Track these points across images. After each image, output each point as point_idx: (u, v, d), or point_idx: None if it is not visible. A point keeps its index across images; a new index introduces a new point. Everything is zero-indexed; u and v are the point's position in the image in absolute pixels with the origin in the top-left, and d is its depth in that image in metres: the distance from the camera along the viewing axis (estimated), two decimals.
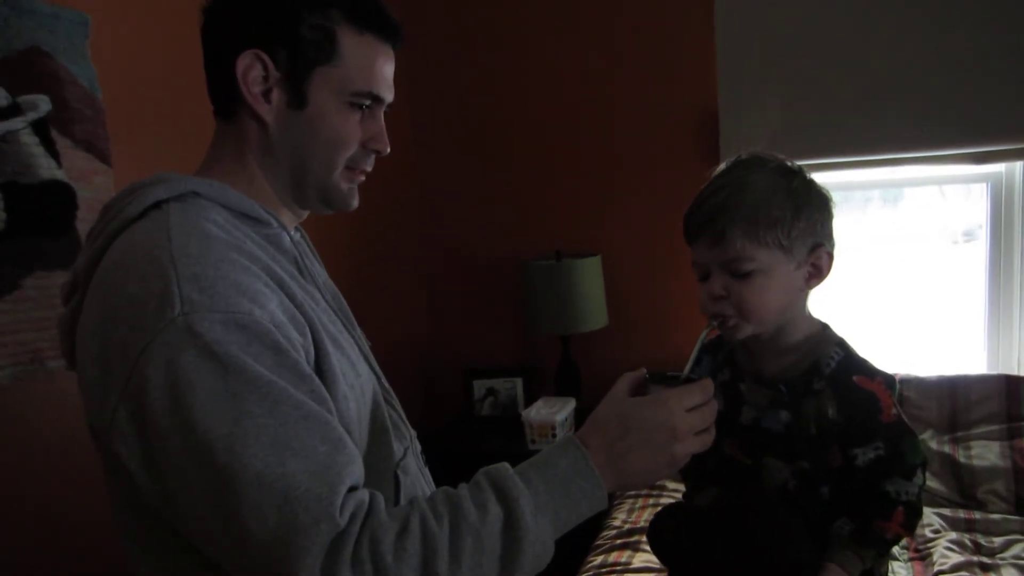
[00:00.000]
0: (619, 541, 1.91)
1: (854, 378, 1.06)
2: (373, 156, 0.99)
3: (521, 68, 2.73)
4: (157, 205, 0.85)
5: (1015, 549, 1.76)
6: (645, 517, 1.99)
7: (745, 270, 1.05)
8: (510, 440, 2.54)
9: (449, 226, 2.92)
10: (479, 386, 2.76)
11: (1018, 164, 2.28)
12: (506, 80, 2.76)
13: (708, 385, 0.91)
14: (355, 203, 1.01)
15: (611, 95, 2.63)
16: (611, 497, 2.13)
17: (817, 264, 1.09)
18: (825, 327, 1.15)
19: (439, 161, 2.90)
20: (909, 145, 2.27)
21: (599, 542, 1.95)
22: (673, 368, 1.05)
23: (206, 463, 0.72)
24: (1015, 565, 1.69)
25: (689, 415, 0.87)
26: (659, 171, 2.62)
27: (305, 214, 1.03)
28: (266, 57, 0.88)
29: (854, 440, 1.05)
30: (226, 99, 0.92)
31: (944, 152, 2.25)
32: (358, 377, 0.93)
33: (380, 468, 0.94)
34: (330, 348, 0.87)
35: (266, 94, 0.90)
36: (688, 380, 0.93)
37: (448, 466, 2.58)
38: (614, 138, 2.66)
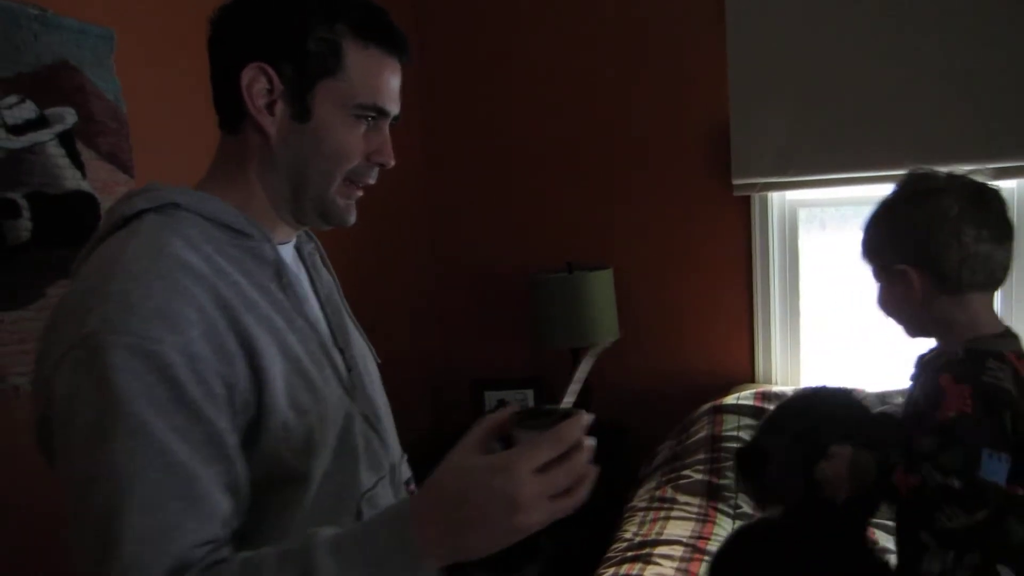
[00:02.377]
0: (630, 554, 1.91)
1: (941, 376, 1.10)
2: (376, 169, 0.98)
3: (533, 81, 2.76)
4: (139, 215, 0.86)
5: None
6: (656, 530, 2.00)
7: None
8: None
9: (460, 238, 2.95)
10: (490, 397, 2.77)
11: None
12: (518, 93, 2.79)
13: (567, 431, 0.73)
14: (352, 219, 1.00)
15: (623, 109, 2.66)
16: (616, 508, 2.15)
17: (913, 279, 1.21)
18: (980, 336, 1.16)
19: (450, 174, 2.93)
20: (917, 160, 2.27)
21: (610, 555, 1.95)
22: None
23: (70, 488, 0.76)
24: None
25: (537, 479, 0.71)
26: (670, 184, 2.64)
27: (303, 228, 1.04)
28: (271, 70, 0.89)
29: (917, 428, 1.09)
30: (231, 111, 0.93)
31: (950, 168, 2.25)
32: (318, 403, 0.89)
33: (342, 497, 0.92)
34: (275, 375, 0.84)
35: (270, 107, 0.90)
36: (564, 416, 0.76)
37: None
38: (626, 151, 2.68)
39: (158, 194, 0.88)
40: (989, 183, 1.18)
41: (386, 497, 0.98)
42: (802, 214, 2.56)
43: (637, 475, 2.45)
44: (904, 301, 1.18)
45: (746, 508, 2.11)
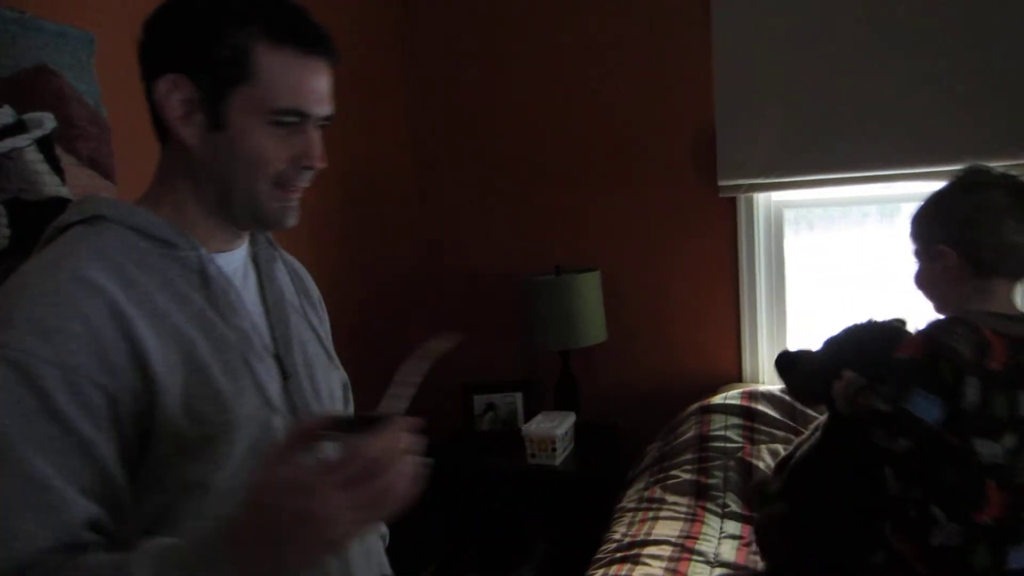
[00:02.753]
0: (619, 555, 1.91)
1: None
2: (308, 172, 0.97)
3: (521, 84, 2.76)
4: (69, 227, 0.90)
5: None
6: (645, 530, 2.00)
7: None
8: (510, 455, 2.54)
9: (448, 241, 2.95)
10: (479, 401, 2.77)
11: None
12: (506, 97, 2.79)
13: (370, 441, 0.73)
14: (290, 221, 1.00)
15: (610, 112, 2.67)
16: (607, 509, 2.16)
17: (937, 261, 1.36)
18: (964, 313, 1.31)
19: (438, 177, 2.92)
20: (902, 162, 2.30)
21: (599, 556, 1.95)
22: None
23: None
24: None
25: (339, 494, 0.70)
26: (657, 186, 2.64)
27: (247, 232, 1.05)
28: (185, 80, 0.89)
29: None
30: (157, 123, 0.95)
31: (936, 169, 2.27)
32: (223, 413, 0.89)
33: None
34: (170, 385, 0.85)
35: (188, 117, 0.91)
36: (373, 423, 0.75)
37: (448, 482, 2.61)
38: (613, 153, 2.69)
39: (86, 207, 0.92)
40: None
41: None
42: (788, 215, 2.58)
43: (627, 476, 2.45)
44: (940, 278, 1.30)
45: (734, 507, 2.11)
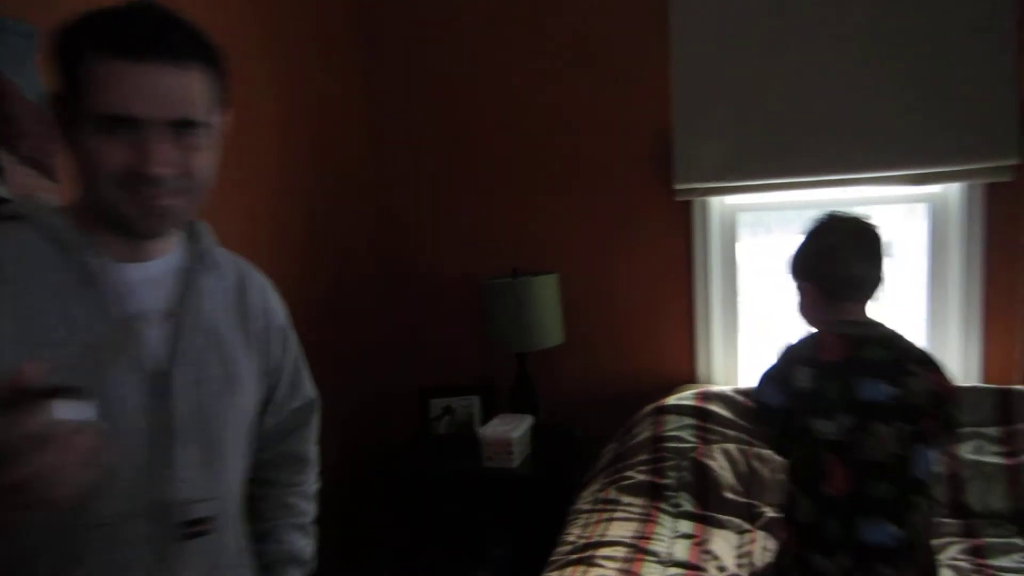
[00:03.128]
0: (574, 556, 1.91)
1: None
2: (160, 179, 0.94)
3: (479, 88, 2.77)
4: None
5: (951, 551, 1.84)
6: (599, 532, 2.01)
7: None
8: (467, 458, 2.54)
9: (407, 245, 2.93)
10: (435, 404, 2.75)
11: (954, 186, 2.37)
12: (465, 100, 2.79)
13: (16, 420, 0.69)
14: (155, 228, 1.00)
15: (568, 116, 2.68)
16: (564, 512, 2.17)
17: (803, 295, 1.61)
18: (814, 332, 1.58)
19: (397, 180, 2.91)
20: (853, 167, 2.36)
21: (554, 558, 1.95)
22: None
23: None
24: (951, 567, 1.75)
25: None
26: (615, 190, 2.66)
27: (175, 244, 1.10)
28: (60, 96, 0.94)
29: None
30: None
31: (885, 174, 2.34)
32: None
33: (72, 523, 0.94)
34: None
35: (64, 130, 0.96)
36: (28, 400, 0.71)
37: (404, 485, 2.60)
38: (571, 157, 2.70)
39: (13, 206, 0.99)
40: (870, 221, 1.52)
41: (129, 535, 0.98)
42: (743, 218, 2.62)
43: (583, 478, 2.46)
44: (808, 308, 1.57)
45: (687, 507, 2.14)
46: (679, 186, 2.51)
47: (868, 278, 1.49)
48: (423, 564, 2.70)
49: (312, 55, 2.56)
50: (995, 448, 2.08)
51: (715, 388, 2.48)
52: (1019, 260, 2.33)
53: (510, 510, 2.52)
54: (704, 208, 2.58)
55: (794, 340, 1.53)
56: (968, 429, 2.14)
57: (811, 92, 2.37)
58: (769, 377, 1.52)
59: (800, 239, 1.57)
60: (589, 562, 1.87)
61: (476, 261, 2.82)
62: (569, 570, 1.85)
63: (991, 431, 2.12)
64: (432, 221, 2.89)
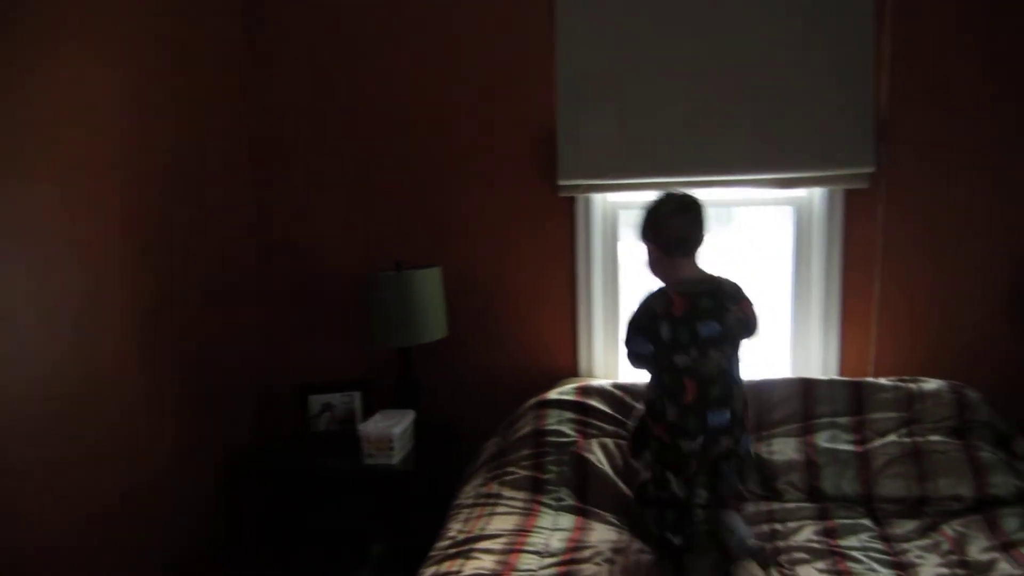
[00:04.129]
0: (452, 551, 1.90)
1: None
2: None
3: (364, 81, 2.71)
4: None
5: (805, 532, 1.94)
6: (480, 526, 2.00)
7: None
8: (348, 455, 2.48)
9: (286, 238, 2.83)
10: (315, 401, 2.68)
11: (817, 190, 2.52)
12: (349, 93, 2.72)
13: None
14: None
15: (453, 109, 2.66)
16: (447, 508, 2.15)
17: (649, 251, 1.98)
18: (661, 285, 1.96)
19: (278, 173, 2.80)
20: (725, 170, 2.46)
21: (433, 553, 1.93)
22: None
23: None
24: (804, 547, 1.86)
25: None
26: (500, 184, 2.67)
27: None
28: None
29: None
30: None
31: (754, 176, 2.45)
32: None
33: None
34: None
35: None
36: None
37: (283, 484, 2.51)
38: (456, 151, 2.69)
39: None
40: (694, 195, 1.93)
41: None
42: (625, 217, 2.68)
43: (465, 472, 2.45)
44: (653, 262, 1.96)
45: (568, 501, 2.16)
46: (562, 182, 2.55)
47: (692, 238, 1.91)
48: (303, 564, 2.62)
49: (184, 38, 2.43)
50: (847, 436, 2.23)
51: (595, 382, 2.53)
52: (874, 262, 2.50)
53: (391, 507, 2.48)
54: (587, 205, 2.62)
55: (648, 294, 1.92)
56: (825, 419, 2.28)
57: (685, 96, 2.46)
58: (637, 331, 1.91)
59: (646, 209, 1.96)
60: (467, 555, 1.86)
61: (359, 255, 2.76)
62: (447, 564, 1.84)
63: (844, 420, 2.27)
64: (314, 215, 2.80)
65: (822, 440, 2.22)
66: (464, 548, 1.90)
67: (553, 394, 2.48)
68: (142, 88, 2.23)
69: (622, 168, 2.51)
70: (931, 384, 2.32)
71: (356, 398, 2.69)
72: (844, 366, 2.56)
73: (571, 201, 2.63)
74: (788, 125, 2.40)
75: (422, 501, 2.47)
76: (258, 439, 2.83)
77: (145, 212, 2.25)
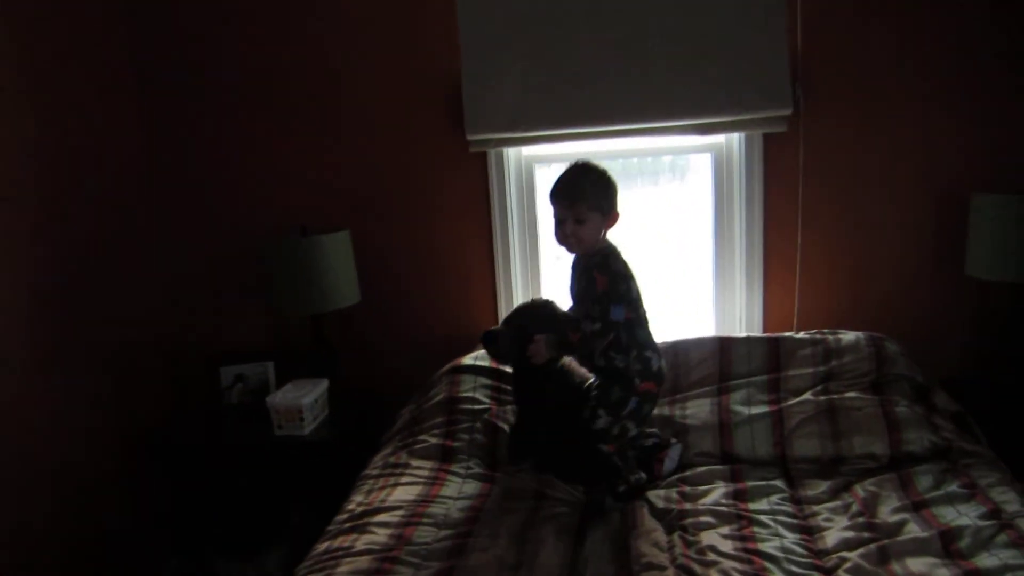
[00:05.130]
0: (348, 524, 1.83)
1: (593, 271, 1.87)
2: None
3: (262, 35, 2.54)
4: None
5: (714, 495, 1.88)
6: (381, 498, 1.93)
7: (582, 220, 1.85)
8: (258, 427, 2.40)
9: (186, 206, 2.68)
10: (226, 373, 2.58)
11: (735, 136, 2.41)
12: (247, 49, 2.55)
13: None
14: None
15: (355, 63, 2.51)
16: (344, 481, 2.08)
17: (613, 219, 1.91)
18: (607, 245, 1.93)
19: (173, 139, 2.64)
20: (640, 117, 2.34)
21: (330, 527, 1.86)
22: None
23: None
24: (711, 511, 1.80)
25: None
26: (407, 141, 2.54)
27: None
28: None
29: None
30: None
31: (668, 123, 2.34)
32: None
33: None
34: None
35: None
36: None
37: (194, 457, 2.43)
38: (361, 110, 2.55)
39: None
40: (596, 163, 1.91)
41: None
42: (539, 171, 2.57)
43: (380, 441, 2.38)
44: (604, 228, 1.89)
45: (477, 469, 2.09)
46: (471, 136, 2.42)
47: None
48: (217, 539, 2.55)
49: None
50: (763, 396, 2.16)
51: None
52: (795, 210, 2.41)
53: (307, 478, 2.41)
54: (500, 160, 2.51)
55: (609, 257, 1.86)
56: (741, 380, 2.21)
57: (595, 41, 2.32)
58: (619, 299, 1.85)
59: (602, 176, 1.89)
60: (363, 529, 1.79)
61: (263, 220, 2.62)
62: (340, 539, 1.77)
63: (760, 379, 2.20)
64: (215, 179, 2.65)
65: (737, 402, 2.15)
66: (361, 522, 1.83)
67: (468, 359, 2.40)
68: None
69: (532, 120, 2.38)
70: (849, 336, 2.25)
71: (269, 368, 2.60)
72: (767, 320, 2.49)
73: (483, 156, 2.51)
74: (703, 68, 2.27)
75: (338, 470, 2.39)
76: (169, 414, 2.73)
77: (17, 184, 2.10)
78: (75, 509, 2.27)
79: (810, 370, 2.19)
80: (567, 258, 1.99)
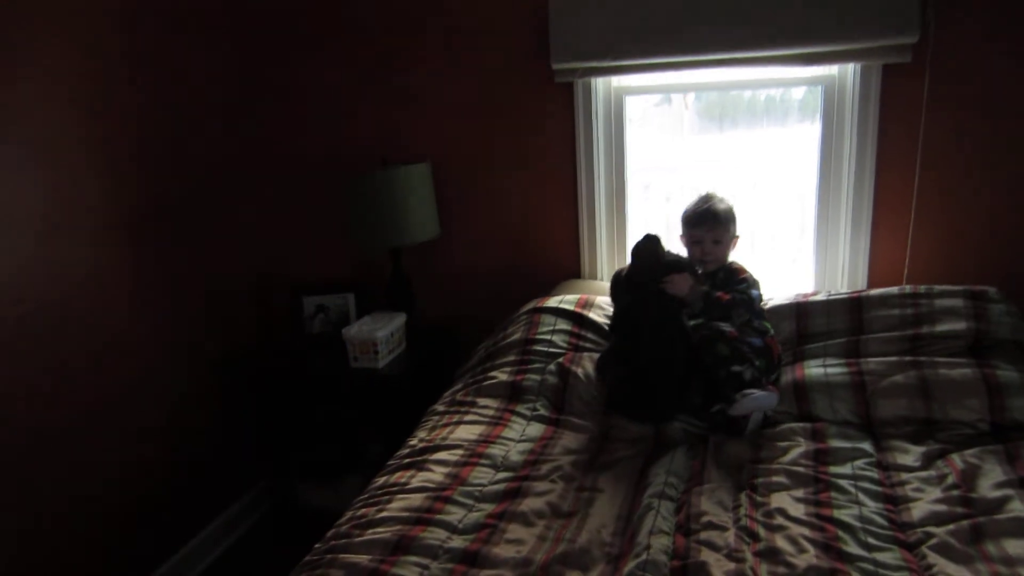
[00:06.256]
0: (407, 460, 1.82)
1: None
2: None
3: None
4: None
5: (792, 454, 1.73)
6: (443, 435, 1.91)
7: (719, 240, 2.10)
8: (337, 358, 2.43)
9: (273, 136, 2.70)
10: (308, 303, 2.62)
11: (849, 66, 2.16)
12: None
13: None
14: None
15: None
16: (419, 415, 2.07)
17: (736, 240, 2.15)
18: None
19: (262, 69, 2.64)
20: (741, 45, 2.13)
21: (390, 462, 1.86)
22: None
23: None
24: (787, 470, 1.67)
25: None
26: (491, 71, 2.44)
27: None
28: None
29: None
30: None
31: (774, 52, 2.11)
32: None
33: None
34: None
35: None
36: None
37: (276, 385, 2.50)
38: (444, 37, 2.45)
39: None
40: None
41: None
42: (630, 102, 2.41)
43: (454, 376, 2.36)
44: (727, 249, 2.12)
45: (543, 411, 2.03)
46: (557, 66, 2.29)
47: None
48: (300, 464, 2.64)
49: None
50: (839, 360, 1.97)
51: (599, 298, 2.33)
52: (914, 154, 2.15)
53: (380, 411, 2.44)
54: (587, 90, 2.36)
55: (742, 266, 2.11)
56: (818, 344, 2.06)
57: None
58: (758, 290, 2.07)
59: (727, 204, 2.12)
60: (420, 467, 1.77)
61: (347, 154, 2.61)
62: (398, 475, 1.76)
63: (838, 343, 2.03)
64: (298, 109, 2.65)
65: (813, 366, 1.97)
66: (420, 459, 1.81)
67: (552, 301, 2.31)
68: None
69: (623, 48, 2.21)
70: (945, 300, 2.01)
71: (350, 300, 2.62)
72: (873, 274, 2.26)
73: (570, 87, 2.37)
74: None
75: (412, 404, 2.40)
76: (260, 340, 2.82)
77: (116, 109, 2.17)
78: (178, 426, 2.42)
79: (897, 333, 1.98)
80: (656, 187, 2.16)
